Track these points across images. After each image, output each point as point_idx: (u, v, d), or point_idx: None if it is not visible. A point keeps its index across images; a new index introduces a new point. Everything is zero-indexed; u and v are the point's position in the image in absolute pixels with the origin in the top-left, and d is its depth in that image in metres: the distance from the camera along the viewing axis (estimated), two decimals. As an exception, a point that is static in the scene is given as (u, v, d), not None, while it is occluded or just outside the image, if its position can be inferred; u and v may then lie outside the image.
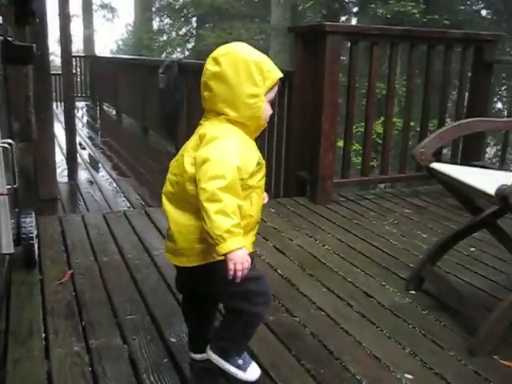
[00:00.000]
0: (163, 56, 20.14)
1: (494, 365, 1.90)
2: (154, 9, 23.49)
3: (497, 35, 4.20)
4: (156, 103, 6.83)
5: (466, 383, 1.80)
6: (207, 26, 21.99)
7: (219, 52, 1.58)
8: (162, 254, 2.77)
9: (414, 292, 2.43)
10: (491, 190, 1.81)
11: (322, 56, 3.48)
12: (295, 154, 3.92)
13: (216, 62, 1.57)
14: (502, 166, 4.10)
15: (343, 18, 20.03)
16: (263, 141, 4.24)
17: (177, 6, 23.26)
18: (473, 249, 2.98)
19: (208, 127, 1.58)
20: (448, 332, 2.12)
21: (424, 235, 3.18)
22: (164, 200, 1.61)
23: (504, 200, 1.76)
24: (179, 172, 1.57)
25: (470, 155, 4.20)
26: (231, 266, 1.44)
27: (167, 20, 24.24)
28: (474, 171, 2.31)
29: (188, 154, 1.56)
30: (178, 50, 23.38)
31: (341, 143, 4.47)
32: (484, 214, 2.32)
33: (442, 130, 2.31)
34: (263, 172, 1.62)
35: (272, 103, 1.65)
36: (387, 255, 2.86)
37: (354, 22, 19.44)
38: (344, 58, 5.40)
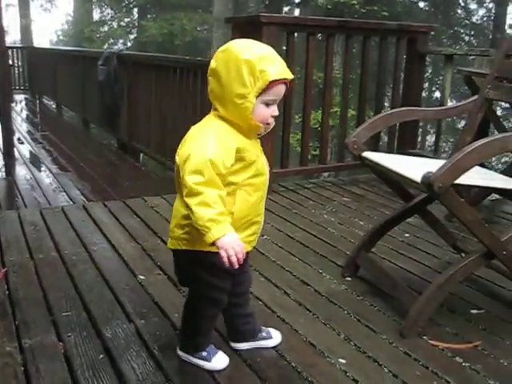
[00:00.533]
0: (105, 47, 19.75)
1: (423, 345, 1.98)
2: (93, -1, 22.99)
3: (429, 27, 4.33)
4: (96, 95, 6.71)
5: (396, 364, 1.86)
6: (149, 16, 21.69)
7: (221, 48, 1.58)
8: (99, 249, 2.75)
9: (349, 279, 2.49)
10: (418, 178, 1.87)
11: (259, 47, 3.48)
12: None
13: (215, 58, 1.58)
14: (436, 153, 4.24)
15: (286, 9, 20.14)
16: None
17: (118, -4, 22.84)
18: (407, 234, 3.07)
19: (200, 122, 1.64)
20: (381, 316, 2.18)
21: (361, 222, 3.26)
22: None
23: (430, 187, 1.82)
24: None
25: (406, 143, 4.32)
26: (223, 253, 1.48)
27: (108, 10, 23.76)
28: (403, 159, 2.38)
29: (179, 149, 1.60)
30: (121, 41, 22.97)
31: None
32: (415, 200, 2.40)
33: (373, 119, 2.37)
34: (255, 170, 1.60)
35: (274, 104, 1.58)
36: (325, 243, 2.92)
37: (296, 12, 19.58)
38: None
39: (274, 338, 1.93)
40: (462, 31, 21.63)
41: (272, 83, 1.51)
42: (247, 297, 1.89)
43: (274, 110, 1.58)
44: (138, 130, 5.79)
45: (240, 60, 1.51)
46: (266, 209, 3.40)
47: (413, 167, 2.10)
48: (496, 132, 3.16)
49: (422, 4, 20.14)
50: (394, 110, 2.47)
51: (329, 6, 12.69)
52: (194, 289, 1.75)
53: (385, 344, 1.98)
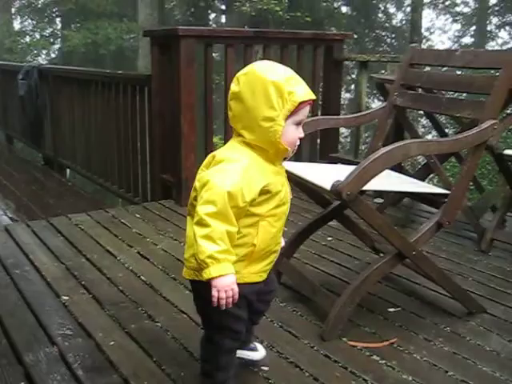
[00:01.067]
0: (27, 58, 19.16)
1: (343, 346, 2.06)
2: (13, 9, 22.25)
3: (344, 35, 4.49)
4: (18, 110, 6.53)
5: (317, 367, 1.93)
6: (73, 26, 21.21)
7: (242, 71, 1.54)
8: (22, 272, 2.69)
9: (273, 285, 2.55)
10: (328, 186, 1.95)
11: (177, 60, 3.52)
12: (158, 158, 3.94)
13: (237, 81, 1.53)
14: (355, 157, 4.38)
15: (212, 16, 20.19)
16: (127, 144, 4.23)
17: (39, 6, 22.21)
18: (330, 238, 3.17)
19: (224, 148, 1.59)
20: (303, 321, 2.25)
21: (285, 228, 3.31)
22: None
23: (338, 195, 1.90)
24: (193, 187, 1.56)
25: (327, 149, 4.44)
26: (214, 292, 1.43)
27: (29, 20, 23.07)
28: (316, 167, 2.47)
29: (200, 172, 1.56)
30: (44, 52, 22.35)
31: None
32: (332, 206, 2.48)
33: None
34: (278, 201, 1.54)
35: (300, 125, 1.55)
36: (250, 252, 2.96)
37: (223, 19, 19.65)
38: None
39: (259, 351, 1.91)
40: (383, 34, 22.36)
41: (300, 104, 1.49)
42: (260, 317, 1.87)
43: (301, 132, 1.56)
44: (63, 145, 5.69)
45: (267, 82, 1.47)
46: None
47: (324, 175, 2.18)
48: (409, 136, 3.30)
49: (344, 9, 20.67)
50: (307, 120, 2.55)
51: (253, 13, 12.83)
52: (213, 320, 1.62)
53: (306, 348, 2.05)
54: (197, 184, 1.51)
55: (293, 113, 1.49)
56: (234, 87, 1.53)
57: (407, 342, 2.10)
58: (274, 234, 1.58)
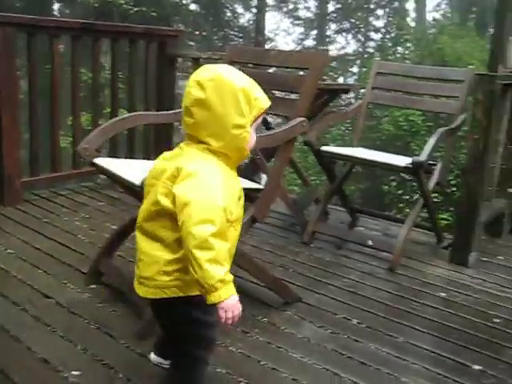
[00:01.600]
0: None
1: (159, 345, 2.04)
2: None
3: (178, 31, 4.47)
4: None
5: (131, 367, 1.89)
6: None
7: (204, 75, 1.44)
8: None
9: (94, 286, 2.46)
10: (137, 181, 1.90)
11: (-6, 49, 3.26)
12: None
13: (201, 86, 1.43)
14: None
15: (56, 6, 19.17)
16: None
17: None
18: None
19: (186, 157, 1.46)
20: (122, 321, 2.20)
21: (113, 226, 3.23)
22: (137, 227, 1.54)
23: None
24: (150, 201, 1.47)
25: (162, 145, 4.40)
26: (222, 314, 1.38)
27: None
28: (129, 163, 2.41)
29: (163, 185, 1.43)
30: None
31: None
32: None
33: (105, 124, 2.36)
34: (241, 204, 1.54)
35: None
36: (73, 252, 2.85)
37: (67, 10, 18.75)
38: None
39: None
40: (231, 33, 22.78)
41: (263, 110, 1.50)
42: None
43: (255, 137, 1.55)
44: None
45: (236, 88, 1.43)
46: (15, 221, 3.27)
47: (135, 170, 2.12)
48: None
49: (193, 6, 20.71)
50: (126, 115, 2.51)
51: (96, 4, 12.39)
52: (191, 334, 1.58)
53: (122, 349, 2.00)
54: (165, 200, 1.43)
55: (257, 118, 1.50)
56: (197, 93, 1.44)
57: (224, 335, 2.13)
58: (236, 236, 1.57)
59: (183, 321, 1.56)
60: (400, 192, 9.44)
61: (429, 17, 21.73)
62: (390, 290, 2.67)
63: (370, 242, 3.05)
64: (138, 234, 1.55)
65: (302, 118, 2.16)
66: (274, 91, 2.39)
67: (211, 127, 1.45)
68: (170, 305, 1.54)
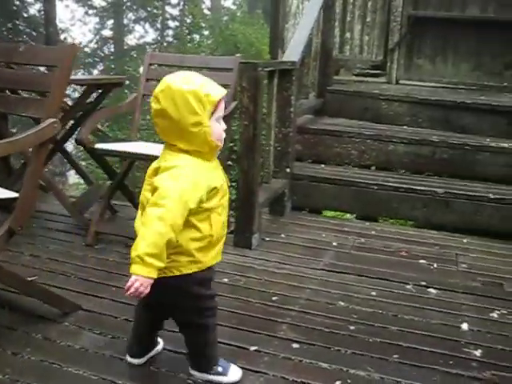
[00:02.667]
0: None
1: None
2: None
3: None
4: None
5: None
6: None
7: (157, 88, 1.65)
8: None
9: None
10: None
11: None
12: None
13: (156, 99, 1.64)
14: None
15: None
16: None
17: None
18: None
19: (164, 158, 1.69)
20: None
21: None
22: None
23: None
24: (143, 198, 1.71)
25: None
26: (129, 283, 1.57)
27: None
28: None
29: (147, 183, 1.70)
30: None
31: None
32: None
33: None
34: (222, 193, 1.73)
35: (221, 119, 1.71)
36: None
37: None
38: None
39: (229, 376, 1.90)
40: (22, 24, 21.23)
41: (218, 102, 1.65)
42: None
43: (223, 125, 1.72)
44: None
45: (184, 93, 1.60)
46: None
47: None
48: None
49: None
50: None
51: None
52: (193, 308, 1.80)
53: None
54: (149, 194, 1.65)
55: (214, 111, 1.65)
56: (155, 105, 1.65)
57: None
58: (222, 222, 1.76)
59: (187, 298, 1.77)
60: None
61: (224, 4, 22.38)
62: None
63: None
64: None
65: (53, 119, 2.02)
66: (20, 91, 2.22)
67: (174, 132, 1.65)
68: (164, 284, 1.68)
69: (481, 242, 3.48)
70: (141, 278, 1.56)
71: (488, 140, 4.15)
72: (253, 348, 2.10)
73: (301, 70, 3.85)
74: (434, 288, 2.76)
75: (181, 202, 1.57)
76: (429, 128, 4.51)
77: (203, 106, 1.62)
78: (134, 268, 1.57)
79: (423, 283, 2.80)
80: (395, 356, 2.10)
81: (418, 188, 3.77)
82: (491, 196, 3.64)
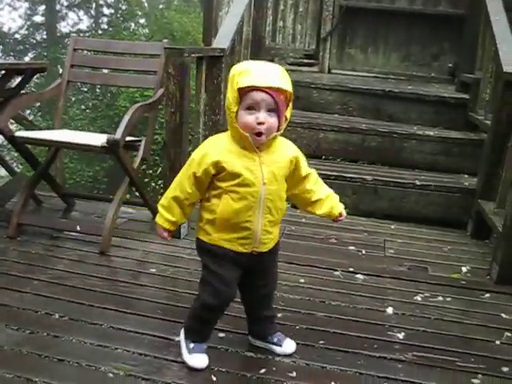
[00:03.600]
0: None
1: None
2: None
3: None
4: None
5: None
6: None
7: None
8: None
9: None
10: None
11: None
12: None
13: None
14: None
15: None
16: None
17: None
18: None
19: None
20: None
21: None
22: None
23: None
24: None
25: None
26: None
27: None
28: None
29: None
30: None
31: None
32: None
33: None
34: (241, 180, 1.71)
35: (257, 111, 1.68)
36: None
37: None
38: None
39: (284, 347, 2.01)
40: None
41: (243, 90, 1.64)
42: (264, 300, 2.00)
43: (258, 117, 1.66)
44: None
45: (231, 76, 1.68)
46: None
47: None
48: None
49: None
50: None
51: None
52: (203, 274, 1.89)
53: None
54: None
55: (241, 99, 1.66)
56: None
57: None
58: (235, 209, 1.74)
59: (200, 259, 1.90)
60: (143, 167, 9.42)
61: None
62: (101, 275, 2.58)
63: (78, 228, 2.92)
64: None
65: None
66: None
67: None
68: (196, 242, 1.90)
69: (408, 228, 3.57)
70: (157, 224, 1.85)
71: (415, 128, 4.26)
72: (178, 339, 2.06)
73: (231, 57, 3.81)
74: (362, 274, 2.80)
75: (189, 167, 1.77)
76: (359, 116, 4.58)
77: (231, 92, 1.68)
78: (156, 217, 1.86)
79: (351, 269, 2.84)
80: (321, 342, 2.12)
81: (348, 175, 3.83)
82: (417, 182, 3.74)
